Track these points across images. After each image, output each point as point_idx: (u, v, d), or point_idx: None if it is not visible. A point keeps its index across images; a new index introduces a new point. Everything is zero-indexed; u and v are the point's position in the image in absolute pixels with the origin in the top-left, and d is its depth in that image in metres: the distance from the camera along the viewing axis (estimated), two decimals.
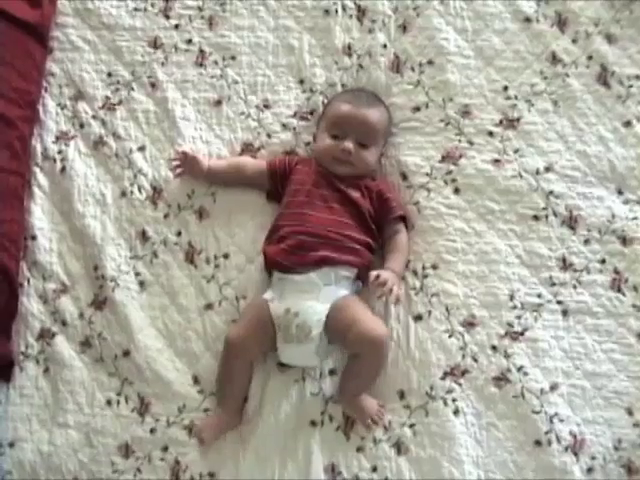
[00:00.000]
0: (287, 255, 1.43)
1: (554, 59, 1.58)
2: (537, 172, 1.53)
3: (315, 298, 1.41)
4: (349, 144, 1.47)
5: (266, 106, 1.62)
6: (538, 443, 1.40)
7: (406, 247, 1.49)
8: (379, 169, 1.56)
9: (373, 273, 1.38)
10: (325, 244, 1.43)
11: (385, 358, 1.43)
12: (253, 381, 1.46)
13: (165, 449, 1.46)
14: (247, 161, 1.58)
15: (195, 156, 1.54)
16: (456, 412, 1.42)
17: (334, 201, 1.47)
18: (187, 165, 1.56)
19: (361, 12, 1.64)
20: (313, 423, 1.44)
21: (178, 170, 1.58)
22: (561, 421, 1.41)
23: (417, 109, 1.58)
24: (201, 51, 1.66)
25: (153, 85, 1.65)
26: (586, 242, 1.49)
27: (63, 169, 1.62)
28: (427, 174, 1.55)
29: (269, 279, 1.49)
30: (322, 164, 1.51)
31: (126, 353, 1.51)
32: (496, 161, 1.54)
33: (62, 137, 1.64)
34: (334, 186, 1.48)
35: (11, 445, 1.49)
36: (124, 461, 1.46)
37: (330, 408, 1.44)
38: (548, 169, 1.53)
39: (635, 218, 1.49)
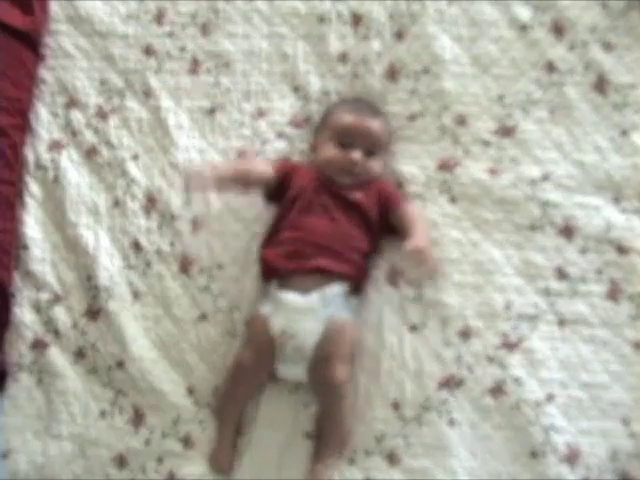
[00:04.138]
0: (285, 261, 1.42)
1: (550, 67, 1.56)
2: (533, 181, 1.52)
3: (312, 319, 1.40)
4: (357, 154, 1.45)
5: (260, 114, 1.60)
6: (533, 454, 1.40)
7: (423, 219, 1.47)
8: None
9: (410, 244, 1.35)
10: (323, 253, 1.41)
11: (346, 408, 1.40)
12: None
13: (160, 460, 1.46)
14: (253, 169, 1.51)
15: (199, 171, 1.46)
16: (451, 423, 1.42)
17: (334, 209, 1.45)
18: (193, 184, 1.48)
19: (356, 19, 1.62)
20: (307, 434, 1.44)
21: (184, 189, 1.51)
22: (557, 432, 1.40)
23: (412, 118, 1.57)
24: (194, 59, 1.64)
25: (146, 93, 1.63)
26: (582, 252, 1.48)
27: (56, 178, 1.60)
28: (423, 183, 1.53)
29: (263, 287, 1.47)
30: (326, 173, 1.48)
31: (120, 364, 1.50)
32: (492, 170, 1.53)
33: (55, 145, 1.62)
34: (334, 193, 1.46)
35: (4, 456, 1.48)
36: (118, 472, 1.46)
37: None
38: (544, 178, 1.52)
39: (631, 228, 1.48)
